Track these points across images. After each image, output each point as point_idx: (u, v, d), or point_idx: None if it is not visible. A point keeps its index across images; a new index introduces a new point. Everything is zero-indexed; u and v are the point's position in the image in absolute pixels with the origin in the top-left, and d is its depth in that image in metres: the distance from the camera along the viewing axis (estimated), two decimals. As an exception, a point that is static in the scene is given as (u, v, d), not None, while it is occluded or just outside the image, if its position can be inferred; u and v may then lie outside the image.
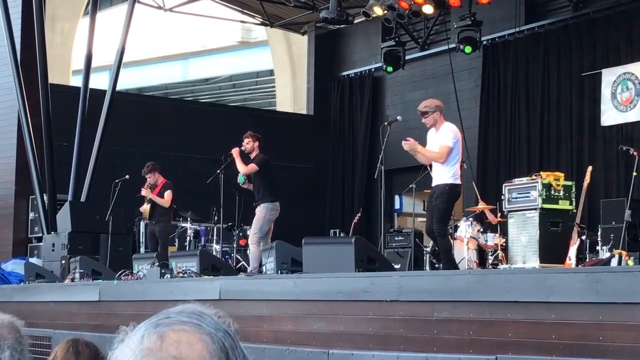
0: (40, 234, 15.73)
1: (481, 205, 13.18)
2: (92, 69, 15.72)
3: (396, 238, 13.72)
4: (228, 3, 20.55)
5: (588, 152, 15.08)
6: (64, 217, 14.73)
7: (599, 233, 11.38)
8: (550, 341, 6.29)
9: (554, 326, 6.30)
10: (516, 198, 11.01)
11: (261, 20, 20.94)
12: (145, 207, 14.36)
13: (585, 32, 15.49)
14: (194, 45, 35.61)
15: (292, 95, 23.25)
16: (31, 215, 16.69)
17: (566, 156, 15.39)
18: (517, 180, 11.36)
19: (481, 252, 12.78)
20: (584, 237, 10.98)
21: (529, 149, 16.05)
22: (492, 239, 12.68)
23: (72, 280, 12.66)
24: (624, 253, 9.62)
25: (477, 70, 17.09)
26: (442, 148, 9.89)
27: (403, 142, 9.94)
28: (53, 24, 20.55)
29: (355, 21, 16.35)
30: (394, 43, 17.16)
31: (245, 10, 20.71)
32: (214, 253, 14.32)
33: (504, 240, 11.90)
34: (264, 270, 10.65)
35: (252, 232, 12.47)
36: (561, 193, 10.92)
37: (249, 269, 12.55)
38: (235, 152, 12.58)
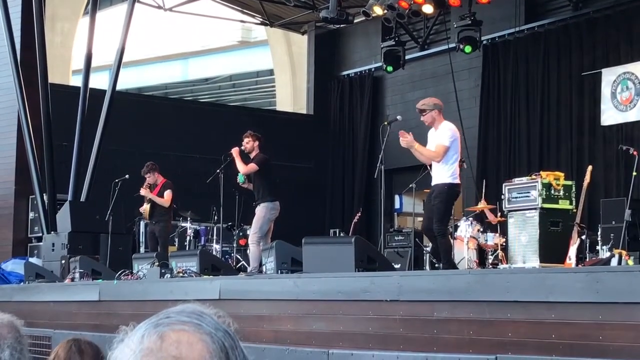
0: (40, 234, 15.73)
1: (481, 205, 13.18)
2: (92, 69, 15.73)
3: (396, 238, 13.72)
4: (228, 3, 20.55)
5: (588, 151, 15.08)
6: (63, 217, 14.73)
7: (599, 233, 11.38)
8: (550, 341, 6.29)
9: (554, 326, 6.30)
10: (516, 198, 11.01)
11: (261, 19, 20.94)
12: (145, 207, 14.35)
13: (585, 31, 15.49)
14: (193, 45, 35.61)
15: (292, 94, 23.25)
16: (31, 215, 16.69)
17: (566, 156, 15.39)
18: (517, 180, 11.35)
19: (481, 251, 12.78)
20: (584, 237, 10.98)
21: (529, 148, 16.05)
22: (492, 239, 12.68)
23: (72, 280, 12.66)
24: (624, 253, 9.62)
25: (477, 70, 17.10)
26: (438, 147, 9.89)
27: (400, 137, 9.93)
28: (53, 23, 20.54)
29: (355, 21, 16.34)
30: (393, 43, 17.16)
31: (245, 10, 20.70)
32: (214, 253, 14.32)
33: (504, 240, 11.90)
34: (264, 270, 10.65)
35: (252, 231, 12.47)
36: (561, 193, 10.92)
37: (249, 269, 12.55)
38: (235, 151, 12.57)
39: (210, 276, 10.56)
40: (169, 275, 11.03)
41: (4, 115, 16.97)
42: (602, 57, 15.15)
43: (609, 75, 14.88)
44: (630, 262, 9.40)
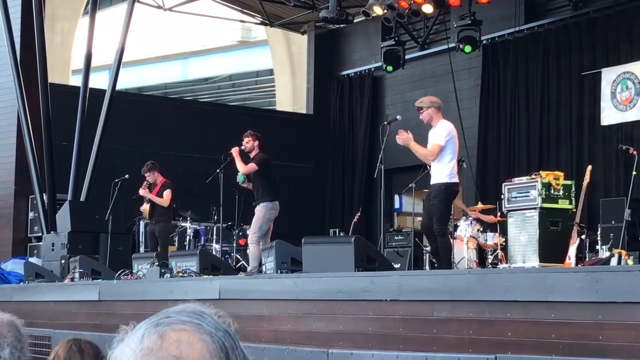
0: (40, 234, 15.73)
1: (478, 206, 13.19)
2: (92, 69, 15.72)
3: (396, 237, 13.73)
4: (228, 2, 20.55)
5: (588, 151, 15.08)
6: (63, 217, 14.73)
7: (598, 232, 11.38)
8: (550, 340, 6.29)
9: (554, 325, 6.30)
10: (516, 197, 11.01)
11: (261, 19, 20.94)
12: (145, 207, 14.36)
13: (585, 31, 15.49)
14: (193, 44, 35.61)
15: (291, 94, 23.26)
16: (31, 214, 16.69)
17: (566, 155, 15.39)
18: (516, 180, 11.35)
19: (481, 251, 12.77)
20: (583, 237, 10.99)
21: (528, 148, 16.05)
22: (492, 239, 12.68)
23: (72, 279, 12.66)
24: (623, 252, 9.62)
25: (476, 70, 17.10)
26: (433, 146, 9.91)
27: (397, 135, 9.96)
28: (53, 23, 20.55)
29: (355, 21, 16.33)
30: (393, 42, 17.16)
31: (245, 10, 20.70)
32: (214, 252, 14.31)
33: (504, 239, 11.90)
34: (264, 269, 10.65)
35: (252, 231, 12.47)
36: (561, 192, 10.92)
37: (248, 269, 12.55)
38: (235, 151, 12.58)
39: (210, 276, 10.56)
40: (168, 275, 11.04)
41: (3, 115, 16.97)
42: (602, 57, 15.15)
43: (608, 75, 14.88)
44: (630, 262, 9.40)
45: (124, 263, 12.80)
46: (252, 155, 12.61)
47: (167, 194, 14.22)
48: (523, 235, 10.77)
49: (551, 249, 10.64)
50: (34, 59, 15.08)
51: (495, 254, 12.53)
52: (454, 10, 16.06)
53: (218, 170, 13.28)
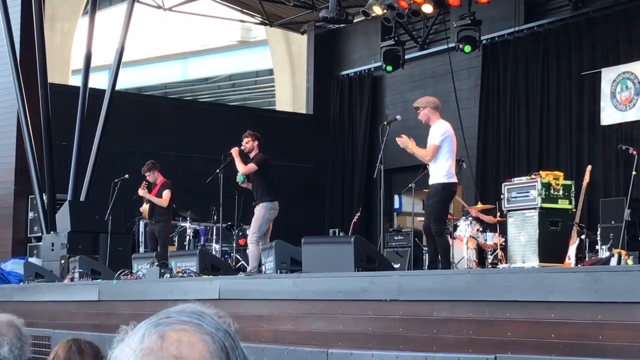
0: (40, 234, 15.73)
1: (478, 206, 13.19)
2: (92, 69, 15.72)
3: (395, 237, 13.73)
4: (227, 2, 20.55)
5: (587, 151, 15.09)
6: (63, 217, 14.73)
7: (598, 232, 11.39)
8: (550, 340, 6.29)
9: (554, 325, 6.30)
10: (515, 197, 11.01)
11: (260, 19, 20.94)
12: (145, 207, 14.36)
13: (585, 31, 15.49)
14: (193, 44, 35.60)
15: (291, 94, 23.25)
16: (30, 214, 16.68)
17: (565, 155, 15.39)
18: (516, 180, 11.35)
19: (480, 251, 12.78)
20: (583, 237, 10.99)
21: (528, 148, 16.05)
22: (492, 239, 12.68)
23: (72, 279, 12.66)
24: (623, 252, 9.62)
25: (476, 70, 17.10)
26: (429, 146, 9.94)
27: (397, 137, 10.03)
28: (52, 23, 20.54)
29: (354, 20, 16.33)
30: (393, 42, 17.16)
31: (244, 10, 20.70)
32: (214, 253, 14.32)
33: (504, 239, 11.90)
34: (263, 269, 10.65)
35: (251, 231, 12.47)
36: (560, 192, 10.92)
37: (248, 269, 12.54)
38: (234, 151, 12.58)
39: (210, 276, 10.56)
40: (168, 275, 11.04)
41: (3, 115, 16.97)
42: (602, 57, 15.15)
43: (608, 75, 14.88)
44: (630, 262, 9.41)
45: (124, 263, 12.79)
46: (251, 155, 12.61)
47: (166, 194, 14.21)
48: (523, 235, 10.77)
49: (551, 249, 10.64)
50: (34, 59, 15.08)
51: (495, 254, 12.53)
52: (453, 10, 16.06)
53: (218, 171, 13.28)
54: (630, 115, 14.57)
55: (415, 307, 7.47)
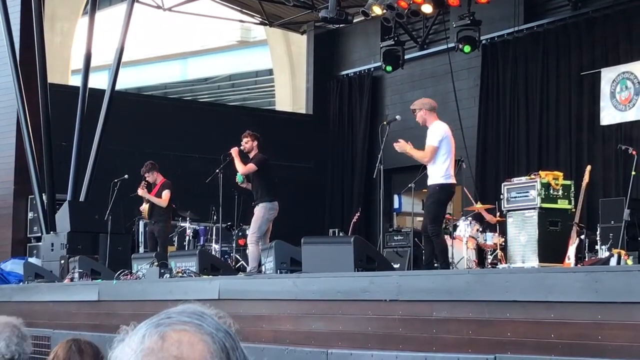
0: (40, 234, 15.72)
1: (477, 205, 13.19)
2: (92, 69, 15.72)
3: (395, 237, 13.73)
4: (227, 2, 20.55)
5: (587, 151, 15.09)
6: (63, 217, 14.73)
7: (598, 232, 11.39)
8: (549, 340, 6.30)
9: (553, 325, 6.31)
10: (515, 197, 11.01)
11: (260, 19, 20.94)
12: (145, 207, 14.36)
13: (584, 31, 15.49)
14: (193, 44, 35.60)
15: (291, 94, 23.26)
16: (30, 214, 16.68)
17: (565, 155, 15.40)
18: (516, 180, 11.35)
19: (480, 251, 12.78)
20: (583, 237, 10.99)
21: (528, 148, 16.06)
22: (491, 239, 12.68)
23: (71, 280, 12.66)
24: (623, 252, 9.63)
25: (476, 70, 17.10)
26: (427, 147, 9.96)
27: (395, 143, 10.06)
28: (52, 23, 20.54)
29: (354, 20, 16.33)
30: (393, 42, 17.16)
31: (244, 10, 20.71)
32: (213, 253, 14.32)
33: (503, 239, 11.90)
34: (263, 269, 10.65)
35: (251, 231, 12.47)
36: (560, 192, 10.92)
37: (248, 269, 12.55)
38: (234, 151, 12.58)
39: (210, 276, 10.56)
40: (168, 275, 11.03)
41: (3, 115, 16.97)
42: (601, 57, 15.16)
43: (608, 75, 14.89)
44: (629, 262, 9.41)
45: (124, 263, 12.79)
46: (251, 155, 12.61)
47: (165, 194, 14.21)
48: (522, 235, 10.77)
49: (550, 249, 10.64)
50: (34, 59, 15.08)
51: (494, 254, 12.53)
52: (453, 10, 16.07)
53: (217, 171, 13.28)
54: (629, 115, 14.57)
55: (415, 307, 7.47)
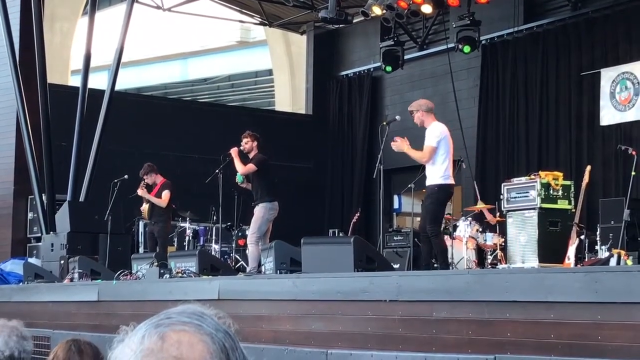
0: (39, 234, 15.72)
1: (480, 205, 13.19)
2: (91, 69, 15.72)
3: (395, 238, 13.72)
4: (227, 3, 20.55)
5: (587, 151, 15.09)
6: (62, 217, 14.73)
7: (597, 232, 11.39)
8: (549, 341, 6.30)
9: (553, 326, 6.31)
10: (515, 198, 11.01)
11: (260, 20, 20.94)
12: (145, 207, 14.36)
13: (584, 31, 15.49)
14: (192, 45, 35.60)
15: (291, 95, 23.26)
16: (30, 215, 16.68)
17: (565, 155, 15.40)
18: (515, 180, 11.35)
19: (480, 251, 12.77)
20: (582, 237, 10.99)
21: (527, 148, 16.06)
22: (491, 239, 12.68)
23: (71, 280, 12.66)
24: (622, 252, 9.63)
25: (475, 70, 17.10)
26: (425, 148, 9.98)
27: (392, 142, 10.06)
28: (52, 23, 20.54)
29: (354, 21, 16.34)
30: (392, 43, 17.16)
31: (244, 10, 20.71)
32: (213, 253, 14.32)
33: (503, 239, 11.90)
34: (263, 270, 10.65)
35: (251, 232, 12.47)
36: (560, 192, 10.92)
37: (247, 269, 12.55)
38: (234, 151, 12.57)
39: (209, 276, 10.56)
40: (168, 276, 11.03)
41: (3, 116, 16.97)
42: (601, 57, 15.16)
43: (607, 75, 14.89)
44: (629, 262, 9.41)
45: (123, 263, 12.80)
46: (251, 155, 12.61)
47: (165, 194, 14.21)
48: (522, 236, 10.77)
49: (550, 249, 10.64)
50: (33, 59, 15.08)
51: (494, 254, 12.52)
52: (453, 10, 16.07)
53: (217, 171, 13.28)
54: (629, 116, 14.57)
55: (415, 308, 7.47)
